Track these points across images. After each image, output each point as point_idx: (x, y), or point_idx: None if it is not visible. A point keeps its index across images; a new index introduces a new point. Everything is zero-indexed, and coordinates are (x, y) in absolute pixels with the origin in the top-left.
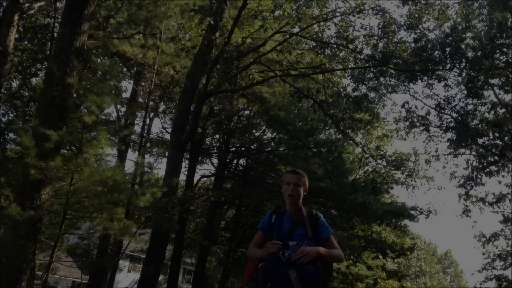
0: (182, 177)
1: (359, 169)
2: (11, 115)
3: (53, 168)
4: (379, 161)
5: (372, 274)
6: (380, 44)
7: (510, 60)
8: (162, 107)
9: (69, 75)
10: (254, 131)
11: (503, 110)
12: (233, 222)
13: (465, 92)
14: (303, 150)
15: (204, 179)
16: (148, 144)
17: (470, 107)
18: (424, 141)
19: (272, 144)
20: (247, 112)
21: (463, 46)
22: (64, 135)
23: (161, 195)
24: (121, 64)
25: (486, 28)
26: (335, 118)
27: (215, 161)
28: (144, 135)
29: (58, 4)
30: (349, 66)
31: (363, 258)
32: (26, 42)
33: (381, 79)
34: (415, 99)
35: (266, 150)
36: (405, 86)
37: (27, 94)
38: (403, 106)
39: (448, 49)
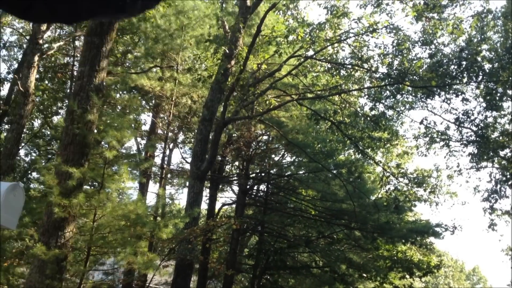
0: (204, 206)
1: (381, 188)
2: (34, 154)
3: (76, 205)
4: (401, 179)
5: None
6: (395, 62)
7: None
8: (181, 137)
9: (89, 112)
10: (273, 155)
11: None
12: (256, 249)
13: (484, 105)
14: (323, 173)
15: (226, 207)
16: (169, 175)
17: (489, 119)
18: (445, 157)
19: (292, 168)
20: (265, 137)
21: (479, 59)
22: (86, 172)
23: (183, 226)
24: (139, 98)
25: (502, 39)
26: (354, 138)
27: (235, 188)
28: (165, 166)
29: (76, 43)
30: (365, 86)
31: (389, 278)
32: (46, 82)
33: (398, 96)
34: (433, 114)
35: (286, 174)
36: (423, 102)
37: (48, 133)
38: (421, 122)
39: (464, 62)
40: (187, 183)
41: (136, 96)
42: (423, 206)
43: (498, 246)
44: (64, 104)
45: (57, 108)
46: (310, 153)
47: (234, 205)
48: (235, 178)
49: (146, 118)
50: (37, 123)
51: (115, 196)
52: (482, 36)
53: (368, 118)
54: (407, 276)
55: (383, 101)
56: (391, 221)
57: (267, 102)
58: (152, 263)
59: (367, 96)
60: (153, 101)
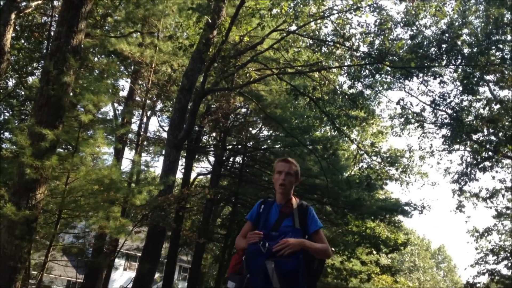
0: (179, 175)
1: (354, 166)
2: (7, 114)
3: (49, 167)
4: (374, 158)
5: (366, 269)
6: (377, 42)
7: (505, 56)
8: (159, 105)
9: (65, 74)
10: (250, 129)
11: (498, 106)
12: (229, 220)
13: (460, 88)
14: (299, 148)
15: (201, 177)
16: (145, 143)
17: (465, 103)
18: (418, 138)
19: (269, 141)
20: (244, 110)
21: (459, 43)
22: (60, 134)
23: (157, 193)
24: (118, 63)
25: (483, 24)
26: (331, 116)
27: (211, 159)
28: (141, 133)
29: (55, 3)
30: (346, 64)
31: (357, 253)
32: (22, 41)
33: (377, 76)
34: (410, 96)
35: (263, 147)
36: (401, 83)
37: (23, 93)
38: (398, 103)
39: (444, 45)
40: (163, 151)
41: (114, 60)
42: (394, 185)
43: (464, 227)
44: (40, 65)
45: (32, 68)
46: (287, 128)
47: (209, 176)
48: (212, 149)
49: (124, 84)
50: (11, 82)
51: (89, 160)
52: (464, 20)
53: (346, 96)
54: (374, 252)
55: (362, 80)
56: (362, 198)
57: (248, 74)
58: (124, 228)
59: (346, 74)
60: (132, 67)
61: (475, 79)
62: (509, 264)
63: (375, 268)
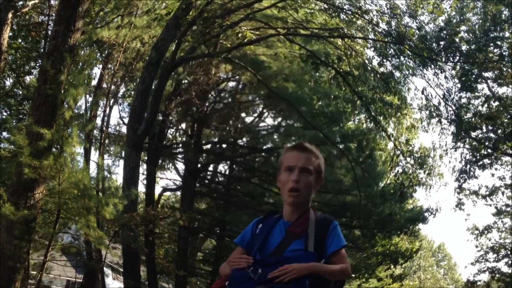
0: (141, 187)
1: (391, 172)
2: (5, 113)
3: (47, 167)
4: (408, 159)
5: (381, 284)
6: (393, 23)
7: (503, 53)
8: (122, 90)
9: (63, 73)
10: (243, 115)
11: (497, 103)
12: (214, 255)
13: (458, 85)
14: (324, 147)
15: (168, 193)
16: (107, 141)
17: (463, 100)
18: (438, 134)
19: (275, 136)
20: (231, 84)
21: (457, 40)
22: (54, 133)
23: (123, 208)
24: (96, 51)
25: (480, 21)
26: (365, 99)
27: (181, 166)
28: (104, 129)
29: (52, 2)
30: (370, 37)
31: (376, 273)
32: (20, 40)
33: (402, 58)
34: (429, 86)
35: (264, 147)
36: (421, 71)
37: (20, 92)
38: (422, 92)
39: (442, 42)
40: (123, 153)
41: (93, 49)
42: (420, 190)
43: (464, 225)
44: (38, 64)
45: (30, 67)
46: (305, 114)
47: (178, 192)
48: (180, 149)
49: (97, 72)
50: (9, 82)
51: (69, 161)
52: (461, 17)
53: (378, 76)
54: (392, 266)
55: (390, 59)
56: (394, 212)
57: (240, 35)
58: (102, 240)
59: (373, 49)
60: (106, 52)
61: (473, 76)
62: (510, 262)
63: (389, 280)
